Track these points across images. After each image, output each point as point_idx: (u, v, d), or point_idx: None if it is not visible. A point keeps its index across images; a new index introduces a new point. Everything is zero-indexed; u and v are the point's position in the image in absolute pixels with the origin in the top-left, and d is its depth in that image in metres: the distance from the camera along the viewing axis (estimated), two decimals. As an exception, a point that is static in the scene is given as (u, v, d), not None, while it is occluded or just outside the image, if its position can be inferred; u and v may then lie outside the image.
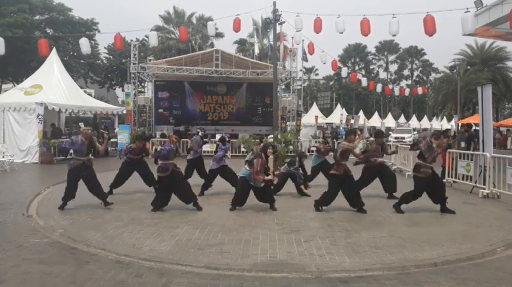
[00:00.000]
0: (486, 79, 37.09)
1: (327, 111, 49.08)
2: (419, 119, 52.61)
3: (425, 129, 43.78)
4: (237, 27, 16.31)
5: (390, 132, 36.45)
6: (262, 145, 8.54)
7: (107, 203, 7.67)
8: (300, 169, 9.35)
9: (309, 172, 10.14)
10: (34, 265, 4.64)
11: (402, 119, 51.20)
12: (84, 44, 16.52)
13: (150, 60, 24.62)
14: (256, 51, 32.43)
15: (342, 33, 14.69)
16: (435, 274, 4.51)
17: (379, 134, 9.82)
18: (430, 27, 12.92)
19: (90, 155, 8.00)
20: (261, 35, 46.69)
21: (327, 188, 7.81)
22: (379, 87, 30.38)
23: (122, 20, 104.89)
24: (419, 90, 34.76)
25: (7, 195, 8.78)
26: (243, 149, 17.34)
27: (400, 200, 7.68)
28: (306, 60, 25.80)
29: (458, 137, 13.06)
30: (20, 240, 5.56)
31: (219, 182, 9.51)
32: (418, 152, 7.93)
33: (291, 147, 15.42)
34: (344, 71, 29.68)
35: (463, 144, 11.91)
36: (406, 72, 73.65)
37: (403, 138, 31.26)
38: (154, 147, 9.12)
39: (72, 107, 17.55)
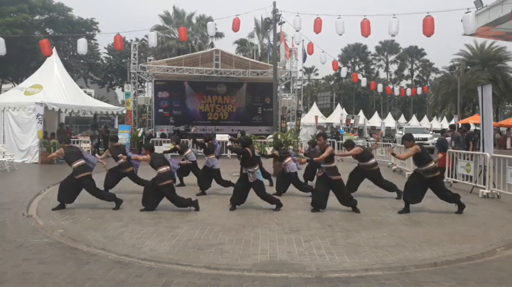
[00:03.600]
0: (486, 79, 37.08)
1: (327, 111, 49.04)
2: (419, 119, 52.56)
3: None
4: (236, 27, 16.28)
5: (399, 132, 35.42)
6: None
7: (117, 203, 7.65)
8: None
9: None
10: (34, 265, 4.64)
11: (402, 119, 51.12)
12: (82, 45, 16.48)
13: (150, 60, 24.60)
14: (258, 50, 32.44)
15: (341, 34, 14.70)
16: (435, 274, 4.51)
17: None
18: (428, 28, 12.91)
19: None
20: (261, 34, 46.68)
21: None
22: (379, 87, 30.31)
23: (122, 20, 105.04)
24: (420, 90, 34.61)
25: (7, 195, 8.77)
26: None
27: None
28: (304, 61, 25.77)
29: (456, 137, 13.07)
30: (20, 240, 5.56)
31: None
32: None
33: (290, 147, 15.39)
34: (344, 71, 29.62)
35: (453, 143, 11.88)
36: (406, 72, 73.52)
37: (425, 139, 25.21)
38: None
39: (72, 107, 17.54)
